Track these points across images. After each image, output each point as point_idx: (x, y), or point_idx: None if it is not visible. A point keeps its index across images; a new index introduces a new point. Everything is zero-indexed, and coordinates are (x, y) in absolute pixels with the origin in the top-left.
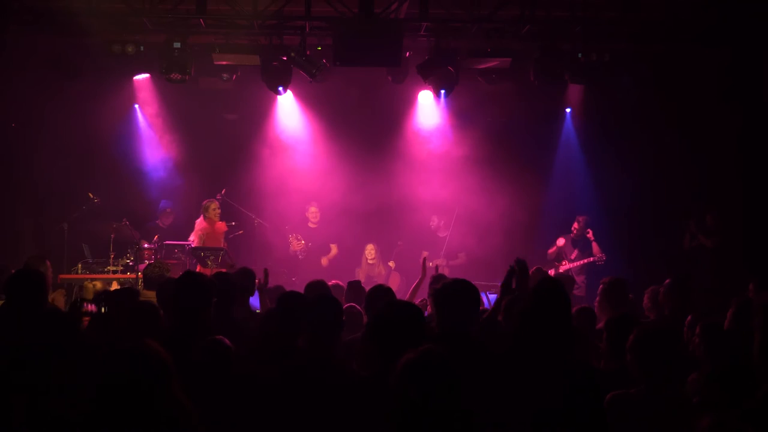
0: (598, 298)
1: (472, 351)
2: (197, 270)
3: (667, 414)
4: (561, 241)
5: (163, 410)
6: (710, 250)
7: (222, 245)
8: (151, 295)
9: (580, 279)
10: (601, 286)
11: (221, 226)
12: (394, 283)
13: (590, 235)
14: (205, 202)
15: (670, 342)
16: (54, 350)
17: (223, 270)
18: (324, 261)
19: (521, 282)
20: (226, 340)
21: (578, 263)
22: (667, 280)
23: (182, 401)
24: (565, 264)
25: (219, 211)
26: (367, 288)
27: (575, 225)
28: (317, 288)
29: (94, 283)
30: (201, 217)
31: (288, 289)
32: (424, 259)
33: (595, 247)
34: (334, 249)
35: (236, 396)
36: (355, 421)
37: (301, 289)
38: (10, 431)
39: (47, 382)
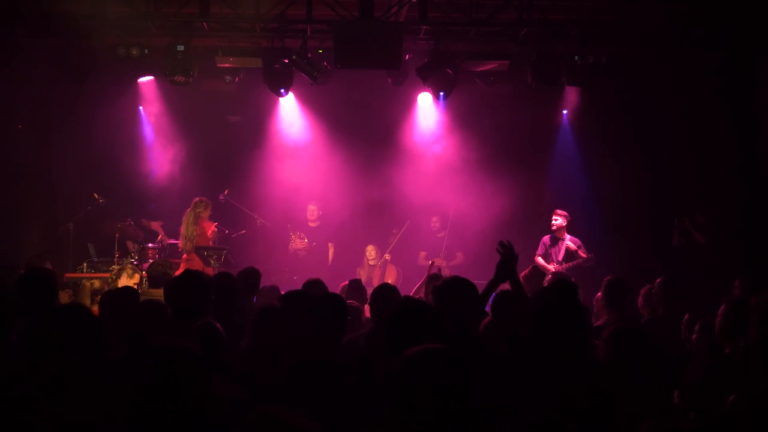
0: (598, 295)
1: (473, 349)
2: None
3: (628, 402)
4: (546, 240)
5: (204, 407)
6: (702, 246)
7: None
8: (155, 294)
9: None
10: (603, 284)
11: (209, 225)
12: (391, 276)
13: (573, 246)
14: (196, 199)
15: (636, 341)
16: (77, 347)
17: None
18: (329, 257)
19: (508, 264)
20: (218, 324)
21: (566, 266)
22: (658, 280)
23: (221, 398)
24: (554, 266)
25: (209, 212)
26: (368, 288)
27: (554, 220)
28: (315, 287)
29: (92, 281)
30: (188, 214)
31: (289, 287)
32: (432, 263)
33: (580, 253)
34: (331, 249)
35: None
36: (360, 422)
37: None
38: None
39: (70, 380)
